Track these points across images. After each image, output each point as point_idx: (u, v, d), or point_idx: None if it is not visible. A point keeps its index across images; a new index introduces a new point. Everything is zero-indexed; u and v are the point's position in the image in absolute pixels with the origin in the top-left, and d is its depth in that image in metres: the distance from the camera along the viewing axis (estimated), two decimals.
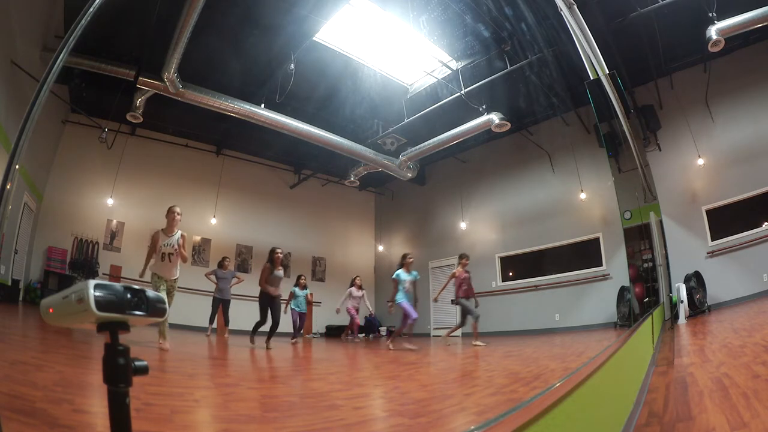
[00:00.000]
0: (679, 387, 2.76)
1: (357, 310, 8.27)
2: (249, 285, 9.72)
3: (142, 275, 4.50)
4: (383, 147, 9.18)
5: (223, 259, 7.42)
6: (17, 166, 1.03)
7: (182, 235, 4.58)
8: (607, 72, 5.73)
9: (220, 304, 7.07)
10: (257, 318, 5.97)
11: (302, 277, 7.82)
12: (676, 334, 5.81)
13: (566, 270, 9.22)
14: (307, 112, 8.06)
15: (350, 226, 12.41)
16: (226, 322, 7.11)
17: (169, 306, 3.99)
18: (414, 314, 6.19)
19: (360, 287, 8.30)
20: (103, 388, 0.71)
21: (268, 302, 5.87)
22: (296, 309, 7.54)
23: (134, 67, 6.27)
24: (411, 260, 6.51)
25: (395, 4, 6.44)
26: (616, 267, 8.62)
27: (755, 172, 7.49)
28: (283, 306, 6.53)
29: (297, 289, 7.61)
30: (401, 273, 6.38)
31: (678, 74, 8.33)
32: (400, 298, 6.27)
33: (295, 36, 6.71)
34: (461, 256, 6.87)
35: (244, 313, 9.43)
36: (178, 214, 4.60)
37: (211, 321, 7.14)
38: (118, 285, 0.73)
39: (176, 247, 4.47)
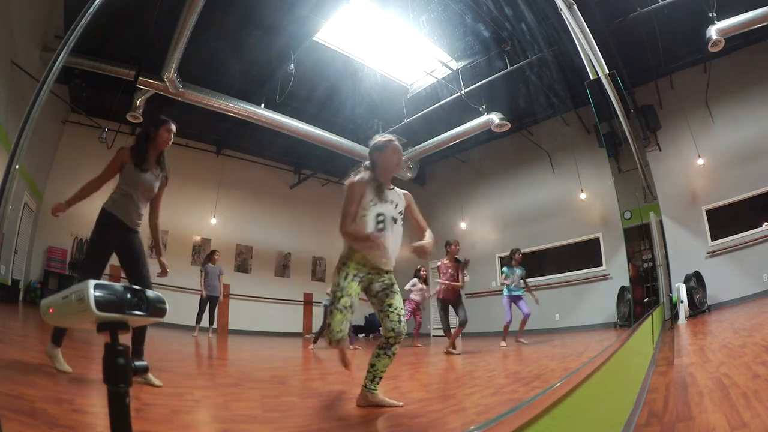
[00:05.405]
0: (679, 387, 2.76)
1: (418, 306, 6.88)
2: (249, 285, 9.76)
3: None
4: None
5: (213, 252, 6.99)
6: (17, 166, 1.03)
7: (406, 195, 2.38)
8: (607, 72, 5.74)
9: (208, 301, 6.69)
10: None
11: None
12: (676, 334, 5.81)
13: (566, 270, 9.22)
14: (307, 112, 8.05)
15: None
16: (212, 320, 6.79)
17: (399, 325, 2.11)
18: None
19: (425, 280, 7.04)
20: (103, 388, 0.71)
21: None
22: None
23: (134, 67, 6.27)
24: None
25: (395, 4, 6.44)
26: (616, 267, 8.62)
27: (755, 172, 7.49)
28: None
29: None
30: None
31: (678, 74, 8.33)
32: None
33: (295, 36, 6.71)
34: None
35: (245, 313, 9.47)
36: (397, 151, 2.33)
37: (199, 320, 6.73)
38: (118, 285, 0.74)
39: (400, 214, 2.28)
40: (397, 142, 2.37)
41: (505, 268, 6.42)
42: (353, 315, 2.12)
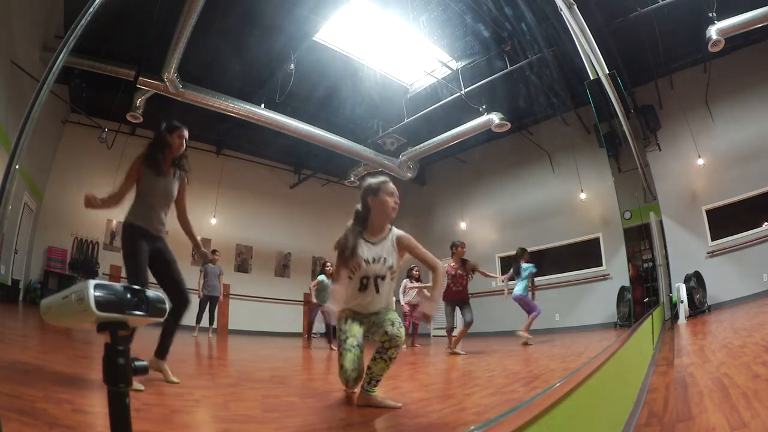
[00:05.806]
0: (679, 387, 2.75)
1: (414, 307, 6.67)
2: (249, 285, 9.76)
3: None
4: (383, 147, 9.18)
5: (213, 252, 6.96)
6: (17, 166, 1.03)
7: (401, 239, 2.23)
8: (607, 72, 5.74)
9: (208, 302, 6.70)
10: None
11: (329, 264, 6.48)
12: (676, 334, 5.81)
13: (566, 270, 9.22)
14: (307, 112, 8.05)
15: None
16: (212, 320, 6.79)
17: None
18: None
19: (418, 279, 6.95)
20: (103, 388, 0.71)
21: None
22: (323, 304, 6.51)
23: (134, 67, 6.27)
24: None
25: (395, 4, 6.44)
26: (616, 267, 8.62)
27: (755, 172, 7.49)
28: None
29: (325, 278, 6.48)
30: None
31: (678, 74, 8.33)
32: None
33: (295, 36, 6.71)
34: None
35: (245, 313, 9.47)
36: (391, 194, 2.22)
37: (199, 320, 6.68)
38: (118, 285, 0.74)
39: (389, 270, 2.17)
40: (391, 184, 2.22)
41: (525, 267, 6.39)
42: (363, 353, 2.12)
